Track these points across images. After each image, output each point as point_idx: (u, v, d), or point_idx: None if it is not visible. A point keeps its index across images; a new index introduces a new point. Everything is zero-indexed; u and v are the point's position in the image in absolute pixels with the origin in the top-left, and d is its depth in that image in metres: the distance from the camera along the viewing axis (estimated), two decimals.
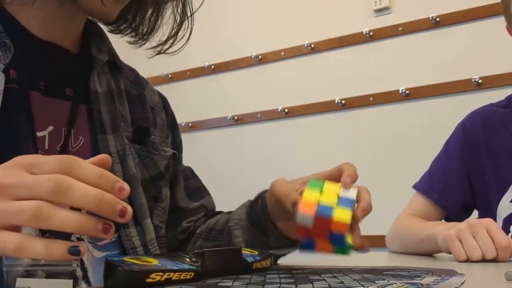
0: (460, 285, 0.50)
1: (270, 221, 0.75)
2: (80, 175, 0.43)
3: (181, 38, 0.80)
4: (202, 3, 0.82)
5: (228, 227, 0.82)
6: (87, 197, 0.42)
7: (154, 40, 0.80)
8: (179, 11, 0.79)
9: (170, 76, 2.88)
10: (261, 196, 0.78)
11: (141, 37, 0.80)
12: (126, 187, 0.44)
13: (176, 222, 0.86)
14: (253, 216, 0.78)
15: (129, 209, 0.43)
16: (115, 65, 0.80)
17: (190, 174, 0.92)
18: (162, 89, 0.93)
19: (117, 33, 0.80)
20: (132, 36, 0.80)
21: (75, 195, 0.42)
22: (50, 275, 0.44)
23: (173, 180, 0.87)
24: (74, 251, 0.43)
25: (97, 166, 0.45)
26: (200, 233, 0.86)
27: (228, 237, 0.82)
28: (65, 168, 0.43)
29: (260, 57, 2.63)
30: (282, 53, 2.58)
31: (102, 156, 0.48)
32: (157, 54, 0.80)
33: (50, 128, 0.69)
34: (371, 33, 2.34)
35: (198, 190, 0.91)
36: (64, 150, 0.69)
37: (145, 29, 0.79)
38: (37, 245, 0.42)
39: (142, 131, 0.80)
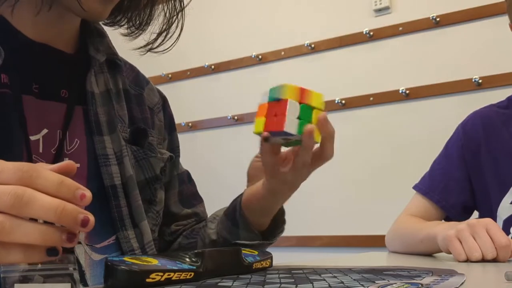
0: (460, 285, 0.50)
1: (242, 213, 0.76)
2: (39, 185, 0.43)
3: (171, 36, 0.78)
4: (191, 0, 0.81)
5: (205, 221, 0.84)
6: (48, 209, 0.42)
7: (147, 33, 0.79)
8: (169, 6, 0.78)
9: (170, 76, 2.88)
10: (241, 193, 0.79)
11: (137, 28, 0.78)
12: (88, 193, 0.44)
13: (166, 225, 0.86)
14: (229, 209, 0.79)
15: (91, 217, 0.43)
16: (114, 64, 0.79)
17: (186, 179, 0.91)
18: (162, 89, 0.93)
19: (111, 25, 0.79)
20: (127, 28, 0.79)
21: (35, 208, 0.42)
22: (47, 279, 0.44)
23: (167, 184, 0.86)
24: (52, 254, 0.43)
25: (61, 173, 0.44)
26: (182, 232, 0.87)
27: (203, 229, 0.83)
28: (24, 178, 0.42)
29: (260, 57, 2.63)
30: (282, 53, 2.58)
31: (66, 163, 0.47)
32: (147, 51, 0.79)
33: (44, 131, 0.68)
34: (371, 33, 2.34)
35: (191, 197, 0.90)
36: (59, 153, 0.68)
37: (140, 19, 0.78)
38: (15, 251, 0.42)
39: (140, 132, 0.79)
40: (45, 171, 0.44)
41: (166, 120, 0.88)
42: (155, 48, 0.79)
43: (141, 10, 0.78)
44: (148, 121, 0.82)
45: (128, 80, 0.82)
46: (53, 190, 0.43)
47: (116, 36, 0.80)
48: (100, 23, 0.79)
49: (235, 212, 0.77)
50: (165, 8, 0.78)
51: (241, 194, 0.78)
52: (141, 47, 0.79)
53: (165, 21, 0.78)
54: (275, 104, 0.64)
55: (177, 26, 0.78)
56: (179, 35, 0.79)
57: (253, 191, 0.75)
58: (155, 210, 0.79)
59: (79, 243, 0.67)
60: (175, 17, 0.78)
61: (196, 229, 0.86)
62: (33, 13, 0.68)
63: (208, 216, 0.91)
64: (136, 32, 0.79)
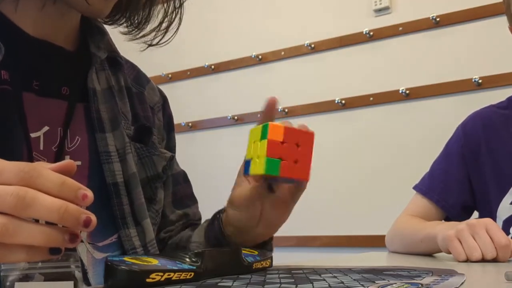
0: (460, 285, 0.50)
1: (226, 239, 0.74)
2: (41, 186, 0.42)
3: (174, 31, 0.79)
4: None
5: (188, 248, 0.81)
6: (50, 210, 0.41)
7: (147, 31, 0.79)
8: (169, 4, 0.78)
9: (170, 76, 2.88)
10: (216, 217, 0.76)
11: (136, 27, 0.78)
12: (90, 194, 0.44)
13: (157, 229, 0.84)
14: (211, 237, 0.76)
15: (93, 218, 0.43)
16: (116, 61, 0.79)
17: (181, 179, 0.89)
18: (162, 89, 0.93)
19: (110, 24, 0.79)
20: (126, 26, 0.78)
21: (38, 209, 0.41)
22: (48, 278, 0.44)
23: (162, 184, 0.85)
24: (55, 253, 0.43)
25: (60, 173, 0.44)
26: (170, 245, 0.84)
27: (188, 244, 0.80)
28: (26, 178, 0.42)
29: (260, 57, 2.63)
30: (282, 53, 2.58)
31: (66, 163, 0.46)
32: (148, 46, 0.79)
33: (45, 128, 0.68)
34: (371, 33, 2.34)
35: (185, 198, 0.88)
36: (60, 151, 0.68)
37: (139, 18, 0.78)
38: (17, 251, 0.42)
39: (145, 130, 0.79)
40: (46, 171, 0.43)
41: (165, 120, 0.87)
42: (154, 42, 0.79)
43: (140, 9, 0.78)
44: (150, 119, 0.82)
45: (129, 78, 0.82)
46: (55, 190, 0.43)
47: (116, 34, 0.80)
48: (100, 21, 0.79)
49: (218, 241, 0.75)
50: (165, 5, 0.78)
51: (218, 220, 0.75)
52: (141, 42, 0.79)
53: (164, 15, 0.78)
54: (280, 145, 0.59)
55: (178, 20, 0.79)
56: (178, 28, 0.79)
57: (228, 219, 0.73)
58: (155, 209, 0.78)
59: (81, 241, 0.66)
60: (174, 12, 0.78)
61: (179, 247, 0.83)
62: (35, 9, 0.68)
63: (202, 220, 0.88)
64: (135, 31, 0.79)
